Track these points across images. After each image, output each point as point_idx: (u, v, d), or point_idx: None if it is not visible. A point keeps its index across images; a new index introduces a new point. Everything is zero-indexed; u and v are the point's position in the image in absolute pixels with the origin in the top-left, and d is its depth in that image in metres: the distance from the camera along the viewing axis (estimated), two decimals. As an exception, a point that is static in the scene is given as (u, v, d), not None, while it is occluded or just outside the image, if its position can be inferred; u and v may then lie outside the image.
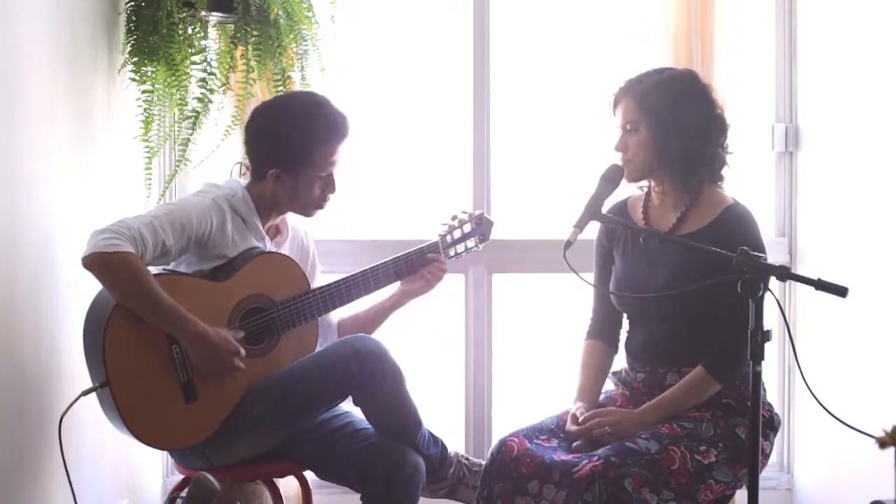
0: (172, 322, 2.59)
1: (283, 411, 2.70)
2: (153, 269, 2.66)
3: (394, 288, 2.99)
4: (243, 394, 2.71)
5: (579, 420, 2.63)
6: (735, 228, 2.60)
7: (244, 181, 2.86)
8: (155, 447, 2.83)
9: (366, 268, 2.91)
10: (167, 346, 2.62)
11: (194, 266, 2.74)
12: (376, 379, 2.70)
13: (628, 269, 2.75)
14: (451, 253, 3.01)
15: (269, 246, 2.85)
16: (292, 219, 2.97)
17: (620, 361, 2.83)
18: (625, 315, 2.82)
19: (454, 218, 3.03)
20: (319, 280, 2.99)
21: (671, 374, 2.65)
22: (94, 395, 2.62)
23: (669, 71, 2.75)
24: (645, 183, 2.77)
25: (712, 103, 2.68)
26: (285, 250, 2.92)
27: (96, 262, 2.52)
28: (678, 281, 2.58)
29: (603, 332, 2.84)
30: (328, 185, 2.82)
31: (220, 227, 2.71)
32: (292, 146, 2.76)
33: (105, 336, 2.55)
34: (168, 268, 2.74)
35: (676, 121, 2.62)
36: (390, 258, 2.93)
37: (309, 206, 2.83)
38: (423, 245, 2.98)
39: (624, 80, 2.72)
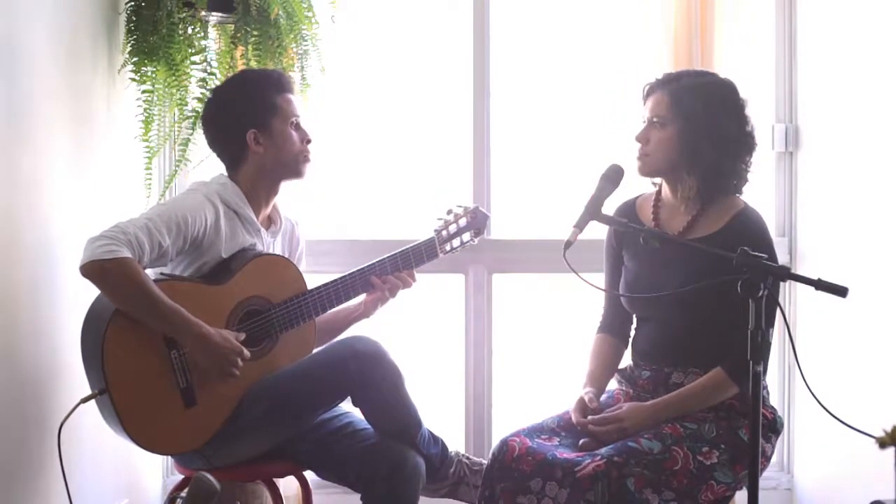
0: (175, 325, 2.58)
1: (282, 412, 2.70)
2: (151, 273, 2.66)
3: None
4: (242, 396, 2.71)
5: (588, 413, 2.63)
6: (747, 233, 2.57)
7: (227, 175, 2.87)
8: (155, 452, 2.84)
9: (363, 266, 2.90)
10: (166, 352, 2.61)
11: (190, 268, 2.74)
12: (375, 380, 2.70)
13: (640, 271, 2.74)
14: (448, 248, 2.99)
15: (266, 237, 2.86)
16: (284, 210, 2.97)
17: (625, 359, 2.83)
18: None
19: (449, 212, 3.01)
20: (305, 274, 2.98)
21: (676, 372, 2.65)
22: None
23: (710, 77, 2.74)
24: (657, 179, 2.76)
25: (746, 119, 2.67)
26: (279, 240, 2.93)
27: (94, 270, 2.52)
28: (690, 284, 2.55)
29: (613, 327, 2.85)
30: (303, 134, 2.85)
31: (214, 223, 2.71)
32: (254, 100, 2.81)
33: (104, 342, 2.54)
34: (165, 272, 2.73)
35: (710, 129, 2.60)
36: (387, 255, 2.92)
37: (297, 160, 2.83)
38: (420, 242, 2.96)
39: (662, 73, 2.72)
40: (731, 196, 2.68)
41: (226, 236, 2.74)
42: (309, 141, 2.86)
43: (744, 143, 2.66)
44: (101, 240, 2.53)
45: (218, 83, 3.15)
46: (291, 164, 2.83)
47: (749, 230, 2.60)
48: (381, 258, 2.91)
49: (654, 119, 2.65)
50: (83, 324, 2.64)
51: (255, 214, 2.83)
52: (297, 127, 2.85)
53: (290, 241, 2.99)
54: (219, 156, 2.89)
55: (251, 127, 2.79)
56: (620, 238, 2.80)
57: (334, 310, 2.92)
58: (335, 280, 2.87)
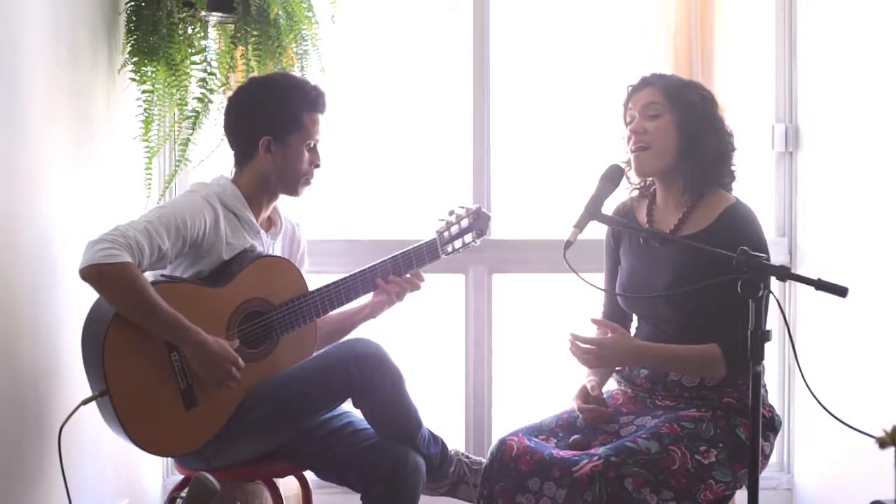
0: (173, 331, 2.58)
1: (282, 414, 2.70)
2: (151, 276, 2.65)
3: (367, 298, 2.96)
4: (243, 398, 2.71)
5: (590, 401, 2.65)
6: (736, 228, 2.59)
7: (230, 176, 2.86)
8: (156, 454, 2.83)
9: (364, 267, 2.90)
10: (166, 353, 2.62)
11: (190, 269, 2.73)
12: (375, 382, 2.70)
13: (633, 269, 2.75)
14: (450, 249, 2.97)
15: (265, 238, 2.86)
16: (285, 211, 2.97)
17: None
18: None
19: (451, 213, 2.99)
20: (306, 275, 2.98)
21: (674, 370, 2.65)
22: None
23: (688, 79, 2.83)
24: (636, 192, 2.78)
25: (724, 117, 2.74)
26: (279, 242, 2.92)
27: (94, 274, 2.52)
28: (682, 281, 2.57)
29: (613, 321, 2.84)
30: (315, 157, 2.84)
31: (213, 225, 2.71)
32: (283, 109, 2.79)
33: (104, 344, 2.54)
34: (166, 273, 2.73)
35: (709, 117, 2.66)
36: (388, 257, 2.92)
37: (298, 179, 2.83)
38: (422, 243, 2.96)
39: (648, 72, 2.75)
40: (722, 192, 2.70)
41: (226, 237, 2.74)
42: (318, 166, 2.86)
43: (729, 138, 2.70)
44: (100, 243, 2.52)
45: (218, 83, 3.16)
46: (291, 182, 2.83)
47: (739, 225, 2.61)
48: (382, 259, 2.91)
49: (648, 110, 2.65)
50: (84, 325, 2.64)
51: (255, 217, 2.83)
52: (312, 149, 2.84)
53: (291, 242, 2.99)
54: (230, 145, 2.88)
55: (268, 134, 2.79)
56: (617, 237, 2.82)
57: (339, 311, 2.92)
58: (336, 282, 2.86)
